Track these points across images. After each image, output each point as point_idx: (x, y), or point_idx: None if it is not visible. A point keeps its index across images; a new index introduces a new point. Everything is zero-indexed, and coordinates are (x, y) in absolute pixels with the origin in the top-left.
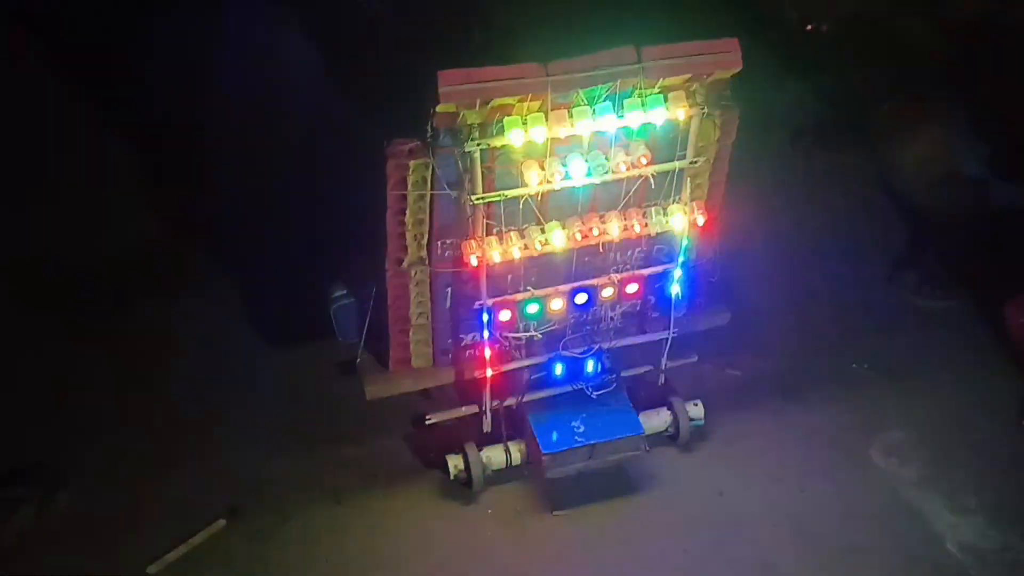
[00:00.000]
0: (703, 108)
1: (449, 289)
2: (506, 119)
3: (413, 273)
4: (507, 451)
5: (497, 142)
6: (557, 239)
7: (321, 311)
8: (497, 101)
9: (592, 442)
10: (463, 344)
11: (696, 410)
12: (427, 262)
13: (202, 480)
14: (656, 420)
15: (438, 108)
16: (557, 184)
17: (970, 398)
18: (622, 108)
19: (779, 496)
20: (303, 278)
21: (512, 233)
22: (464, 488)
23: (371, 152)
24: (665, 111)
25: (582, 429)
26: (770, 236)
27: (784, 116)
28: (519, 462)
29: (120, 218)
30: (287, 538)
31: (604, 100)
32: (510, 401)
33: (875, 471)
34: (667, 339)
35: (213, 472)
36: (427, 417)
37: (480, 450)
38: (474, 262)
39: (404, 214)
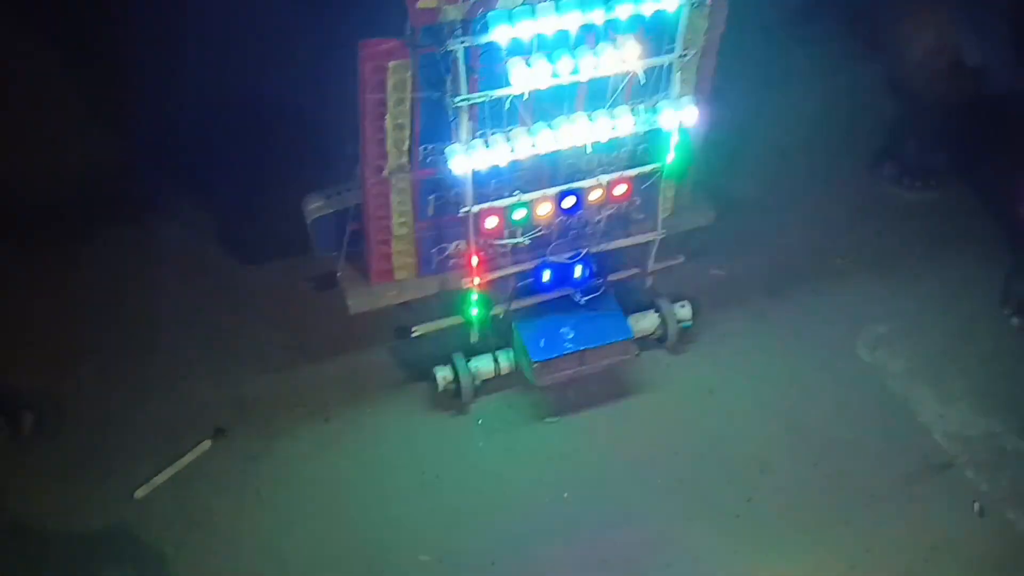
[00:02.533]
0: None
1: (432, 197)
2: (490, 14)
3: (394, 181)
4: (496, 360)
5: (481, 39)
6: (545, 141)
7: (297, 224)
8: None
9: (582, 348)
10: (447, 253)
11: (684, 311)
12: (409, 169)
13: (185, 402)
14: (645, 323)
15: (418, 4)
16: (544, 83)
17: (952, 288)
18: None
19: (768, 393)
20: (277, 191)
21: (498, 135)
22: (453, 399)
23: (346, 54)
24: (655, 1)
25: (571, 335)
26: (754, 130)
27: None
28: (508, 371)
29: (74, 137)
30: (276, 457)
31: None
32: (497, 310)
33: (862, 364)
34: (654, 241)
35: (196, 394)
36: (413, 329)
37: (468, 360)
38: (457, 168)
39: (383, 119)
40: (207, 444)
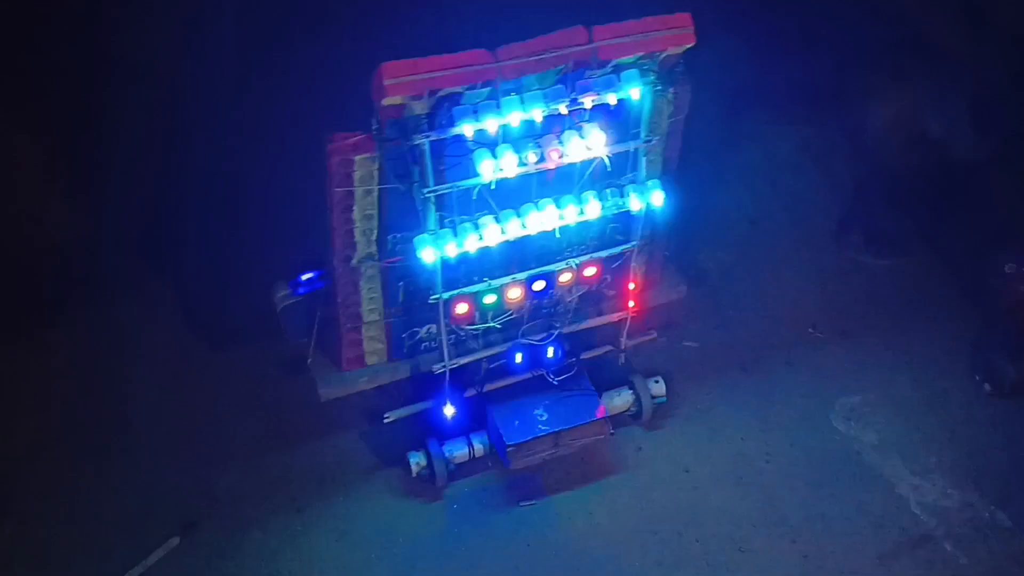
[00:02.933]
0: (657, 85)
1: (402, 284)
2: (455, 108)
3: (364, 269)
4: (470, 444)
5: (446, 133)
6: (513, 228)
7: (267, 310)
8: (445, 90)
9: (556, 429)
10: (419, 338)
11: (658, 387)
12: (377, 257)
13: (152, 495)
14: (619, 401)
15: (384, 101)
16: (511, 172)
17: (923, 355)
18: (575, 90)
19: (744, 469)
20: (249, 275)
21: (466, 224)
22: (427, 484)
23: (315, 147)
24: (618, 90)
25: (545, 417)
26: (722, 203)
27: None
28: (482, 454)
29: (39, 215)
30: (247, 552)
31: (556, 83)
32: (470, 392)
33: (837, 436)
34: (627, 318)
35: (163, 486)
36: (385, 416)
37: (442, 445)
38: (427, 256)
39: (351, 211)
40: (175, 541)
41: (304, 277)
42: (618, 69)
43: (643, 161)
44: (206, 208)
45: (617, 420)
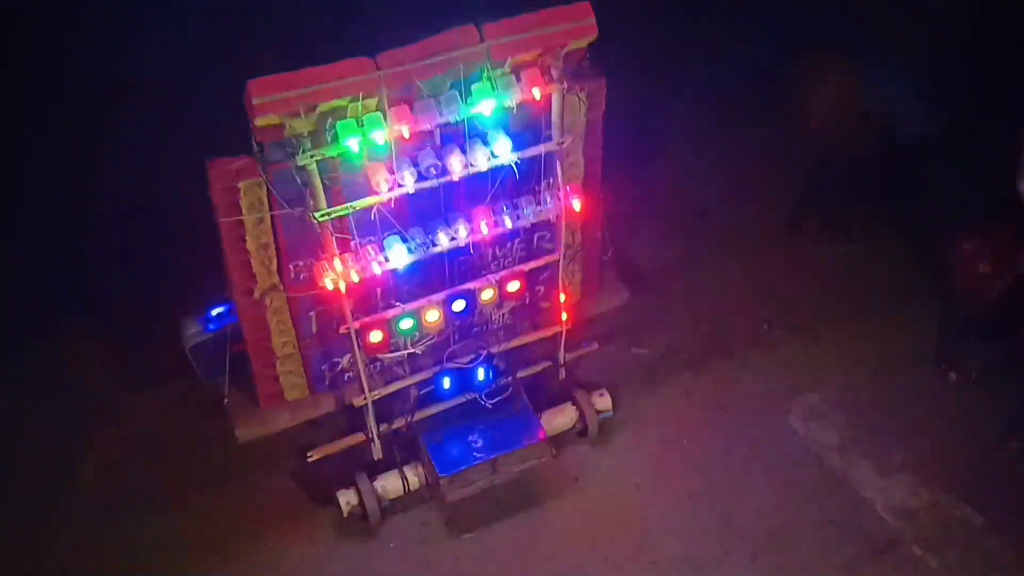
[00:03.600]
0: (562, 83)
1: (312, 313)
2: (339, 123)
3: (268, 301)
4: (403, 477)
5: (333, 151)
6: (422, 248)
7: (175, 349)
8: (325, 105)
9: (493, 455)
10: (340, 368)
11: (603, 400)
12: (282, 287)
13: (65, 552)
14: (561, 419)
15: (257, 122)
16: (411, 187)
17: (884, 347)
18: (470, 95)
19: (699, 483)
20: (151, 314)
21: (369, 247)
22: (362, 522)
23: (197, 173)
24: (518, 92)
25: (480, 443)
26: (663, 196)
27: None
28: (417, 486)
29: None
30: None
31: (449, 89)
32: (399, 423)
33: (797, 440)
34: (562, 331)
35: (76, 542)
36: (308, 454)
37: (373, 480)
38: (329, 285)
39: (244, 240)
40: None
41: (214, 312)
42: (517, 69)
43: (557, 165)
44: (120, 239)
45: (562, 439)
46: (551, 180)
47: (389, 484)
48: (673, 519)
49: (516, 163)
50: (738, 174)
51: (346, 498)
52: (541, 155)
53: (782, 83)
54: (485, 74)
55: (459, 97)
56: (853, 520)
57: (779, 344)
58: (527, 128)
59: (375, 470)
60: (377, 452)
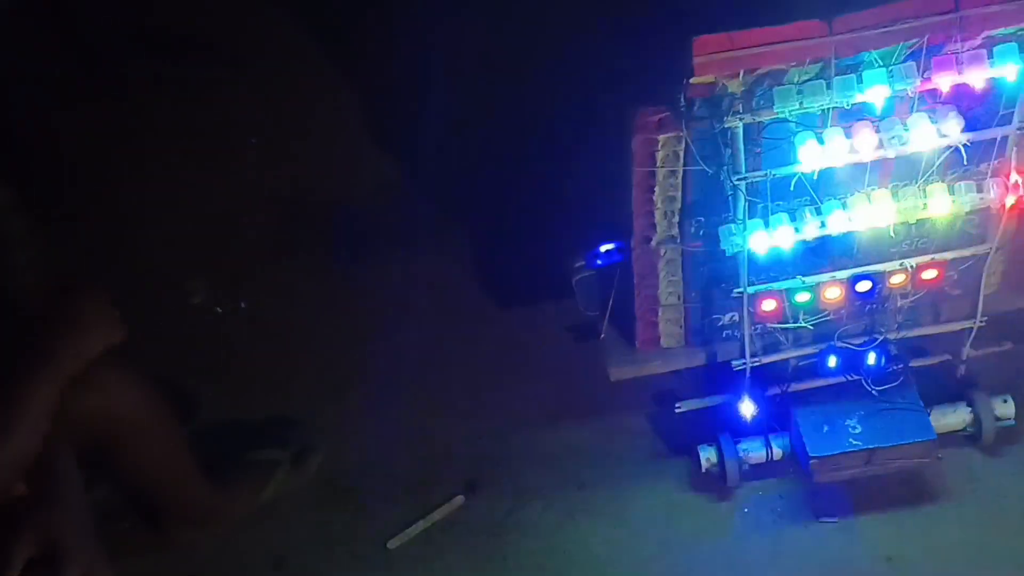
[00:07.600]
0: None
1: (704, 268)
2: (776, 89)
3: (663, 252)
4: (768, 445)
5: (764, 115)
6: (836, 222)
7: (559, 277)
8: (765, 68)
9: (871, 446)
10: (720, 324)
11: (1005, 407)
12: (679, 240)
13: (440, 451)
14: (952, 418)
15: (692, 80)
16: (840, 161)
17: None
18: (929, 68)
19: None
20: (542, 241)
21: (780, 215)
22: (717, 481)
23: (616, 122)
24: (989, 68)
25: (859, 430)
26: None
27: None
28: (781, 458)
29: (362, 162)
30: (527, 522)
31: (904, 60)
32: (773, 391)
33: None
34: (972, 328)
35: (452, 442)
36: (677, 405)
37: (737, 442)
38: (731, 249)
39: (653, 191)
40: (459, 500)
41: (603, 248)
42: (988, 42)
43: (1013, 150)
44: (511, 176)
45: (947, 440)
46: (992, 164)
47: (752, 449)
48: None
49: (966, 145)
50: None
51: (707, 455)
52: (995, 140)
53: None
54: (949, 47)
55: (915, 71)
56: None
57: None
58: (974, 106)
59: (737, 432)
60: (747, 415)
